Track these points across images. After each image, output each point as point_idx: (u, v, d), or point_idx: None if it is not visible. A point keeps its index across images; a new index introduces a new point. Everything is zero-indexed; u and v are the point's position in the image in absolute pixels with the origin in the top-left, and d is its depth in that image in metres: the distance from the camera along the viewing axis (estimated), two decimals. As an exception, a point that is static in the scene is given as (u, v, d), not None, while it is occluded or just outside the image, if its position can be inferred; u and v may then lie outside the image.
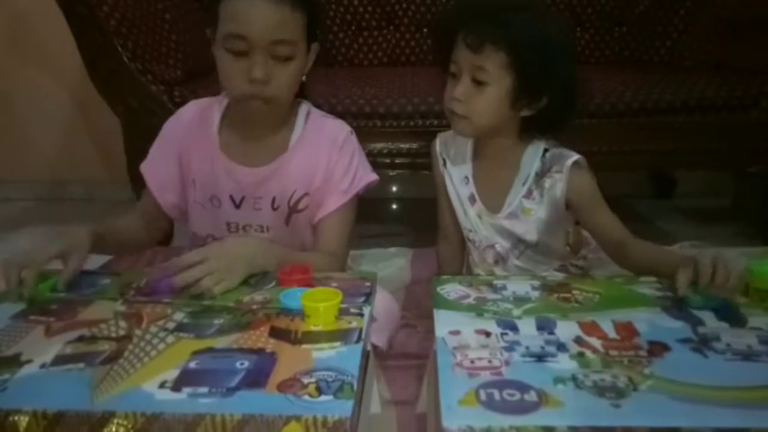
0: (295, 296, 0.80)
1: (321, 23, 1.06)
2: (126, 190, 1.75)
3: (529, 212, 1.07)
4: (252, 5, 0.93)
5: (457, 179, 1.14)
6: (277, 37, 0.95)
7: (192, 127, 1.11)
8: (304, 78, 1.06)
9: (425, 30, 2.10)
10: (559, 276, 1.11)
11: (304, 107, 1.11)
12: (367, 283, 0.91)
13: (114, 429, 0.59)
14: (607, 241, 1.06)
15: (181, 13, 1.81)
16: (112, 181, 2.32)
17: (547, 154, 1.07)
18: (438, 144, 1.18)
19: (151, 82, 1.60)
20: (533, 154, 1.08)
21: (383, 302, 1.05)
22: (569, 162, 1.04)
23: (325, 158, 1.07)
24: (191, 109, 1.14)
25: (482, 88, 1.00)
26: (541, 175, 1.06)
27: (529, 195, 1.07)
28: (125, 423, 0.59)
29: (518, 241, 1.11)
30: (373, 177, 1.12)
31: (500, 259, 1.13)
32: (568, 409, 0.59)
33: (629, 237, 1.03)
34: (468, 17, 0.99)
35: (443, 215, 1.21)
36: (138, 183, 1.69)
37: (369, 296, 0.86)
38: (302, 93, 1.11)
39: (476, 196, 1.12)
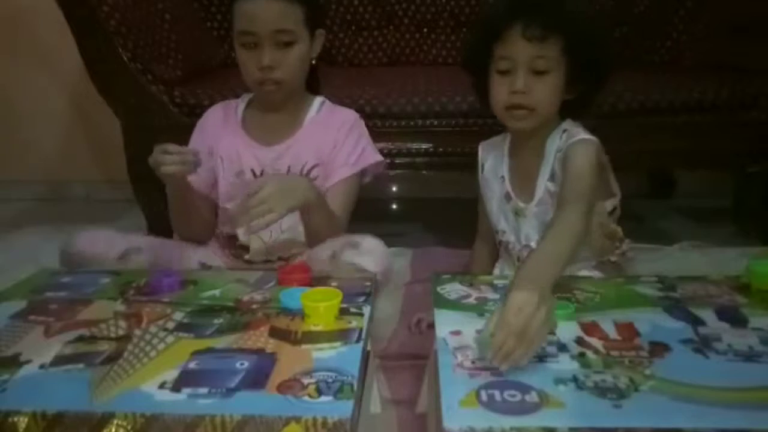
0: (295, 296, 0.80)
1: (322, 13, 1.22)
2: (126, 190, 1.75)
3: (555, 195, 1.05)
4: (255, 4, 1.09)
5: (494, 181, 1.16)
6: (277, 27, 1.10)
7: (220, 117, 1.27)
8: (313, 61, 1.21)
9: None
10: (595, 274, 1.07)
11: (320, 99, 1.26)
12: (367, 283, 0.91)
13: (114, 430, 0.59)
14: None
15: (181, 13, 1.81)
16: (112, 181, 2.32)
17: (564, 134, 1.07)
18: (480, 151, 1.21)
19: (151, 82, 1.60)
20: (555, 137, 1.08)
21: (382, 259, 1.05)
22: (579, 137, 1.03)
23: (334, 135, 1.20)
24: (218, 106, 1.30)
25: (543, 77, 1.01)
26: (560, 152, 1.06)
27: (552, 178, 1.07)
28: (125, 424, 0.59)
29: None
30: (380, 158, 1.23)
31: None
32: (569, 409, 0.59)
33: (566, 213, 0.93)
34: (524, 9, 1.00)
35: (482, 219, 1.24)
36: (138, 183, 1.70)
37: (369, 296, 0.86)
38: (317, 90, 1.27)
39: (511, 193, 1.13)
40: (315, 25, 1.17)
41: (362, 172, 1.21)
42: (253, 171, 1.21)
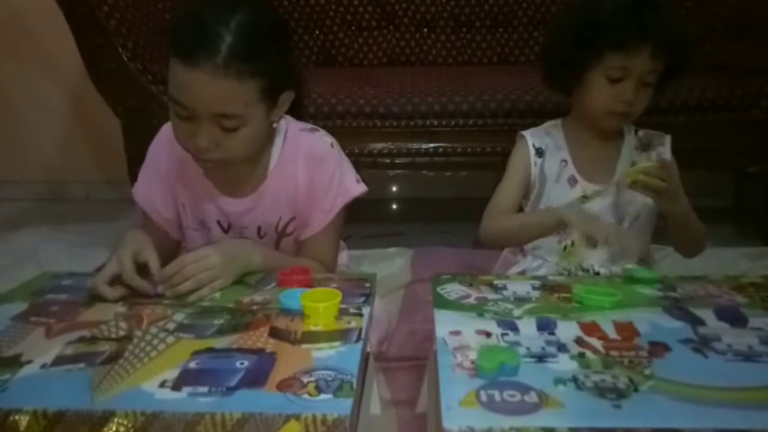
0: (295, 296, 0.80)
1: (289, 74, 0.98)
2: (126, 190, 1.75)
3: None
4: (192, 78, 0.86)
5: (554, 165, 1.17)
6: (219, 111, 0.89)
7: (176, 148, 1.03)
8: (274, 125, 1.02)
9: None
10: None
11: (282, 125, 1.05)
12: (367, 284, 0.91)
13: (114, 428, 0.59)
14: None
15: (181, 13, 1.81)
16: (112, 181, 2.33)
17: (639, 132, 1.18)
18: (530, 136, 1.19)
19: (151, 82, 1.60)
20: (628, 131, 1.17)
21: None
22: (669, 137, 1.17)
23: (305, 177, 1.04)
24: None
25: (647, 87, 1.06)
26: (643, 149, 1.16)
27: (631, 166, 1.12)
28: (125, 422, 0.59)
29: (622, 215, 1.14)
30: (359, 190, 1.07)
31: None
32: (568, 410, 0.59)
33: None
34: (655, 30, 1.02)
35: (511, 199, 1.19)
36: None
37: (369, 296, 0.86)
38: (297, 101, 1.02)
39: (577, 177, 1.15)
40: (279, 91, 0.95)
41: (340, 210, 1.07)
42: (219, 223, 1.07)
